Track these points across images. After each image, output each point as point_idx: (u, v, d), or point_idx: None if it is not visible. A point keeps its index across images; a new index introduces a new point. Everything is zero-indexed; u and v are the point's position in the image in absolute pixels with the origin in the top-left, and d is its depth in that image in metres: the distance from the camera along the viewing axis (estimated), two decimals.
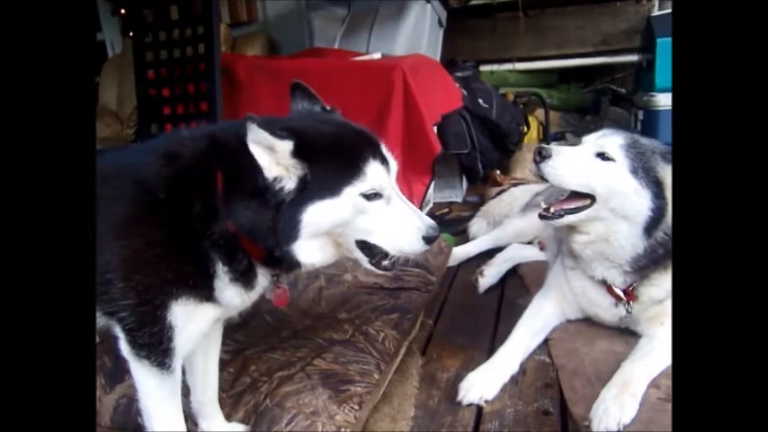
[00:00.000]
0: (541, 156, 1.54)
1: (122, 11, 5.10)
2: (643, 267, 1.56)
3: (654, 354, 1.50)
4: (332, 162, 1.12)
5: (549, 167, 1.54)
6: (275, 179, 1.08)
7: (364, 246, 1.20)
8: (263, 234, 1.11)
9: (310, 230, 1.12)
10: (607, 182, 1.52)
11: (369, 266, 1.22)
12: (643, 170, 1.50)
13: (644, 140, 1.57)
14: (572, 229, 1.62)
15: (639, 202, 1.50)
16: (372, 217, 1.15)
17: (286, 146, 1.07)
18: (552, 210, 1.58)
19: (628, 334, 1.68)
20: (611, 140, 1.56)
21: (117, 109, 4.87)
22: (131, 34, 3.76)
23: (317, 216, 1.11)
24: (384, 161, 1.16)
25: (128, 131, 4.22)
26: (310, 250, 1.15)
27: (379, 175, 1.14)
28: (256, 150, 1.07)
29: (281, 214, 1.10)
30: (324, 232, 1.15)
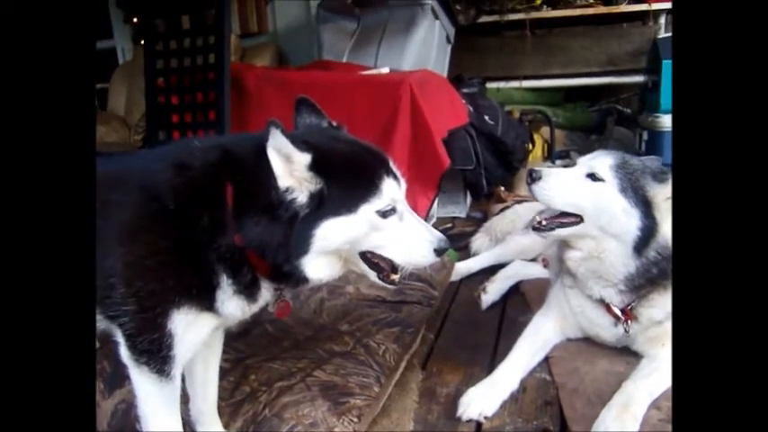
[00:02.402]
0: (533, 178, 1.61)
1: (135, 19, 5.16)
2: (639, 287, 1.57)
3: (655, 375, 1.50)
4: (348, 179, 1.13)
5: (539, 188, 1.60)
6: (287, 190, 1.08)
7: (369, 260, 1.20)
8: (273, 249, 1.11)
9: (322, 246, 1.12)
10: (595, 201, 1.55)
11: (376, 280, 1.23)
12: (632, 189, 1.53)
13: (635, 160, 1.60)
14: (566, 245, 1.66)
15: (628, 221, 1.52)
16: (387, 233, 1.16)
17: (304, 158, 1.08)
18: (545, 222, 1.62)
19: (629, 354, 1.68)
20: (601, 161, 1.60)
21: (125, 115, 4.92)
22: (143, 42, 3.79)
23: (331, 232, 1.11)
24: (396, 177, 1.18)
25: (135, 138, 4.25)
26: (319, 266, 1.15)
27: (393, 191, 1.15)
28: (273, 157, 1.06)
29: (293, 229, 1.09)
30: (335, 249, 1.15)
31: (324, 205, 1.10)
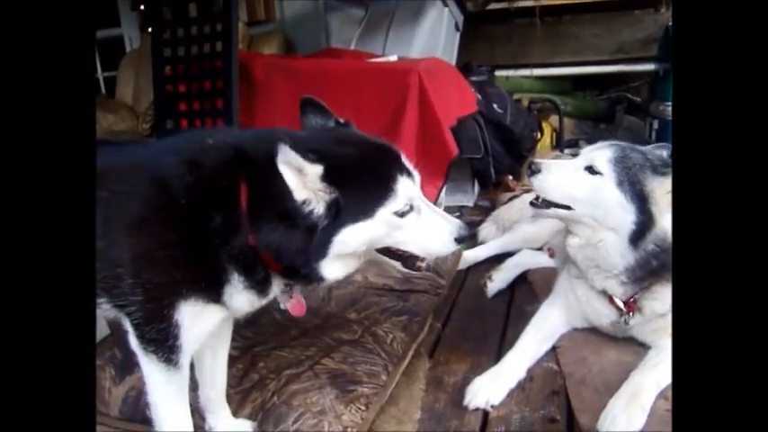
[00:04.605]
0: (532, 170, 1.64)
1: (142, 7, 5.16)
2: (640, 279, 1.56)
3: (663, 365, 1.49)
4: (363, 185, 1.12)
5: (537, 181, 1.63)
6: (303, 202, 1.08)
7: (389, 252, 1.21)
8: (292, 255, 1.11)
9: (341, 250, 1.12)
10: (592, 194, 1.56)
11: (404, 270, 1.24)
12: (629, 184, 1.52)
13: (636, 153, 1.58)
14: (567, 231, 1.67)
15: (623, 215, 1.52)
16: (406, 230, 1.16)
17: (316, 170, 1.06)
18: (541, 200, 1.65)
19: (636, 344, 1.68)
20: (600, 154, 1.60)
21: (133, 103, 4.92)
22: (150, 30, 3.79)
23: (350, 238, 1.11)
24: (409, 174, 1.17)
25: (143, 126, 4.26)
26: (335, 267, 1.16)
27: (408, 189, 1.15)
28: (285, 171, 1.05)
29: (312, 237, 1.09)
30: (353, 251, 1.15)
31: (341, 213, 1.09)
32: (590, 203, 1.56)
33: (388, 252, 1.21)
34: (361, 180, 1.13)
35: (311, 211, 1.08)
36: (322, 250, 1.11)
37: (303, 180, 1.07)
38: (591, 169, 1.58)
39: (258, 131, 1.28)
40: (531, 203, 1.68)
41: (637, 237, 1.52)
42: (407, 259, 1.22)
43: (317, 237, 1.09)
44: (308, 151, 1.06)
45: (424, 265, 1.23)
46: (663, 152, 1.66)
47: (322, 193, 1.08)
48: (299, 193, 1.07)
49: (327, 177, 1.07)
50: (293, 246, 1.10)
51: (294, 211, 1.08)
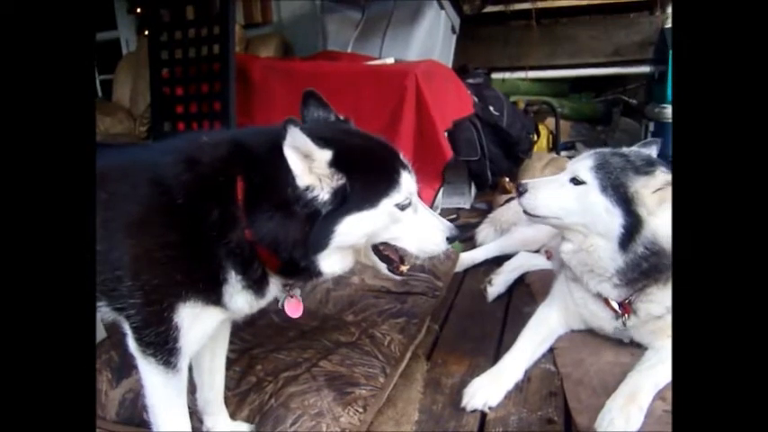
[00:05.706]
0: (520, 192, 1.71)
1: (138, 10, 5.16)
2: (633, 281, 1.58)
3: (660, 366, 1.50)
4: (369, 173, 1.13)
5: (525, 201, 1.69)
6: (306, 188, 1.07)
7: (381, 252, 1.22)
8: (288, 246, 1.10)
9: (342, 240, 1.12)
10: (580, 204, 1.60)
11: (387, 272, 1.25)
12: (612, 188, 1.55)
13: (615, 158, 1.61)
14: (562, 237, 1.71)
15: (611, 219, 1.55)
16: (403, 225, 1.17)
17: (325, 155, 1.06)
18: None
19: (634, 345, 1.68)
20: (582, 164, 1.64)
21: (130, 106, 4.92)
22: (147, 33, 3.79)
23: (352, 227, 1.11)
24: (409, 170, 1.19)
25: (140, 129, 4.26)
26: (334, 260, 1.16)
27: (410, 184, 1.17)
28: (291, 156, 1.05)
29: (312, 226, 1.09)
30: (353, 243, 1.15)
31: (346, 201, 1.09)
32: (578, 213, 1.60)
33: (378, 252, 1.23)
34: (367, 169, 1.13)
35: (314, 198, 1.08)
36: (323, 241, 1.10)
37: (309, 165, 1.07)
38: (575, 180, 1.62)
39: (258, 127, 1.29)
40: (525, 211, 1.72)
41: (626, 240, 1.54)
42: (393, 262, 1.24)
43: (317, 226, 1.09)
44: (316, 137, 1.06)
45: (406, 269, 1.25)
46: (651, 149, 1.69)
47: (328, 180, 1.08)
48: (303, 179, 1.07)
49: (336, 163, 1.07)
50: (291, 236, 1.10)
51: (294, 198, 1.08)
